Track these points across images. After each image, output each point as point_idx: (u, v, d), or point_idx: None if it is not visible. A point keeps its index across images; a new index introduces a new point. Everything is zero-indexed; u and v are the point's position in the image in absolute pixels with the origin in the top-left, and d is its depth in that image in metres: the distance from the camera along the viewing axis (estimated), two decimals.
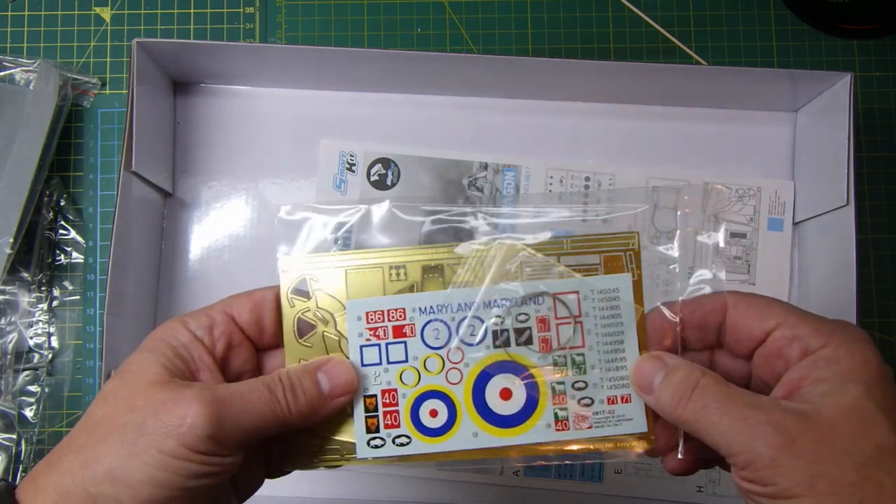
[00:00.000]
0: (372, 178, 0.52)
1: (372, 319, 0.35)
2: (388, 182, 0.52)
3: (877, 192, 0.54)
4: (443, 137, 0.53)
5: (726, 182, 0.53)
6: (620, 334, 0.34)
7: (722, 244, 0.34)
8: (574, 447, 0.34)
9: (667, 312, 0.34)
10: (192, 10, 0.56)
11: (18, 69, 0.53)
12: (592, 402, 0.34)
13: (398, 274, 0.35)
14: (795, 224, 0.52)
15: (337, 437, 0.35)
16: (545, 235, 0.35)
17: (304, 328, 0.35)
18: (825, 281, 0.49)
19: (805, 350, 0.30)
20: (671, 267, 0.35)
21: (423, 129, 0.53)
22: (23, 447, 0.51)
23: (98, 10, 0.56)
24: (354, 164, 0.53)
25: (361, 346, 0.35)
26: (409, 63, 0.50)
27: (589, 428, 0.34)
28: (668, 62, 0.55)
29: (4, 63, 0.53)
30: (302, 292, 0.35)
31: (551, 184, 0.52)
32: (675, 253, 0.36)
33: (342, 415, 0.35)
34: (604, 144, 0.53)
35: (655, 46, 0.56)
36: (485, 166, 0.52)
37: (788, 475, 0.27)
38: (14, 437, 0.50)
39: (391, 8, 0.56)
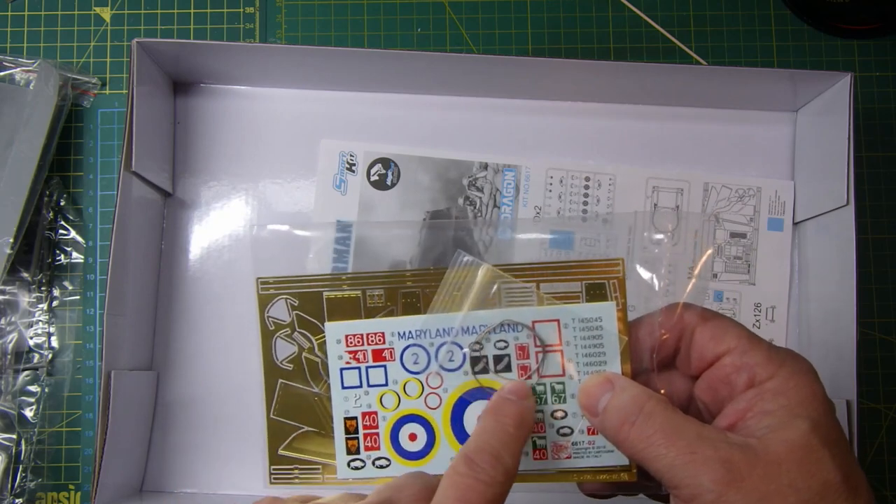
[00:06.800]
0: (372, 178, 0.52)
1: (351, 342, 0.34)
2: (388, 182, 0.52)
3: (877, 192, 0.54)
4: (443, 137, 0.53)
5: (726, 182, 0.53)
6: (603, 364, 0.33)
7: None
8: (552, 476, 0.34)
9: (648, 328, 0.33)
10: (192, 10, 0.56)
11: (18, 69, 0.53)
12: (572, 431, 0.33)
13: (376, 298, 0.34)
14: (795, 224, 0.52)
15: (317, 459, 0.35)
16: (541, 244, 0.35)
17: (283, 350, 0.35)
18: (825, 281, 0.49)
19: (752, 380, 0.30)
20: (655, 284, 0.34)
21: (423, 129, 0.53)
22: (23, 447, 0.51)
23: (98, 10, 0.56)
24: (354, 164, 0.53)
25: (341, 369, 0.34)
26: (409, 63, 0.50)
27: (567, 458, 0.33)
28: (668, 62, 0.55)
29: (4, 63, 0.53)
30: (280, 314, 0.35)
31: (551, 184, 0.52)
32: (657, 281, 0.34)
33: (323, 436, 0.34)
34: (604, 144, 0.53)
35: (655, 46, 0.56)
36: (485, 166, 0.52)
37: None
38: (14, 437, 0.50)
39: (391, 8, 0.56)
